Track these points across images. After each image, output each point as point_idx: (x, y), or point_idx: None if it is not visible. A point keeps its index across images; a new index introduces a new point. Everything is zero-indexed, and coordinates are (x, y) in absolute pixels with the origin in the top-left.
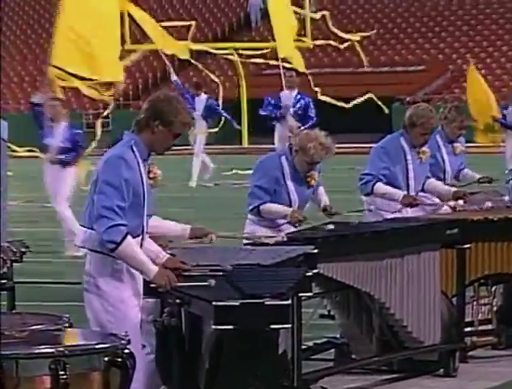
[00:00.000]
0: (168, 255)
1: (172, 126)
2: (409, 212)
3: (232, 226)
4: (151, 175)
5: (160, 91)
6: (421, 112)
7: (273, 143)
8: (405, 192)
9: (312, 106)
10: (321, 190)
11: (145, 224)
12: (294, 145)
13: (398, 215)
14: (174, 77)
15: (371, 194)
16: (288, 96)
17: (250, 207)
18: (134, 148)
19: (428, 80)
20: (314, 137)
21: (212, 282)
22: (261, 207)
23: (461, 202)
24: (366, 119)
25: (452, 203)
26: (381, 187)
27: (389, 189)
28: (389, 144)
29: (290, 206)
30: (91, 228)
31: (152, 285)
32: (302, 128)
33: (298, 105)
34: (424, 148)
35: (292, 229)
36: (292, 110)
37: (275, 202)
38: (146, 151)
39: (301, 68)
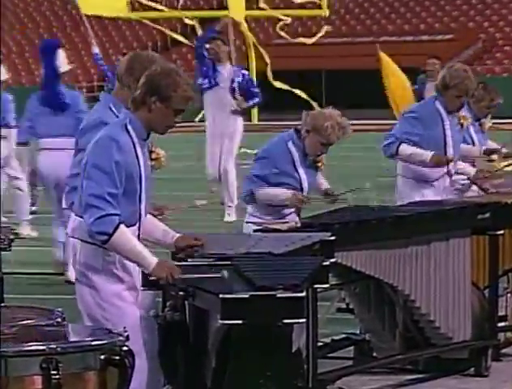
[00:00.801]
0: (178, 234)
1: (171, 102)
2: (444, 185)
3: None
4: (154, 156)
5: (157, 64)
6: (455, 73)
7: (285, 120)
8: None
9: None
10: (320, 179)
11: (143, 212)
12: (305, 125)
13: (435, 184)
14: (96, 50)
15: (395, 156)
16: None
17: (244, 194)
18: (129, 127)
19: (456, 51)
20: (330, 116)
21: (225, 273)
22: (256, 193)
23: (495, 156)
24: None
25: (486, 185)
26: (406, 148)
27: (416, 149)
28: (421, 109)
29: (300, 186)
30: (81, 217)
31: (152, 278)
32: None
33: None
34: (463, 113)
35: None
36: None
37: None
38: (144, 130)
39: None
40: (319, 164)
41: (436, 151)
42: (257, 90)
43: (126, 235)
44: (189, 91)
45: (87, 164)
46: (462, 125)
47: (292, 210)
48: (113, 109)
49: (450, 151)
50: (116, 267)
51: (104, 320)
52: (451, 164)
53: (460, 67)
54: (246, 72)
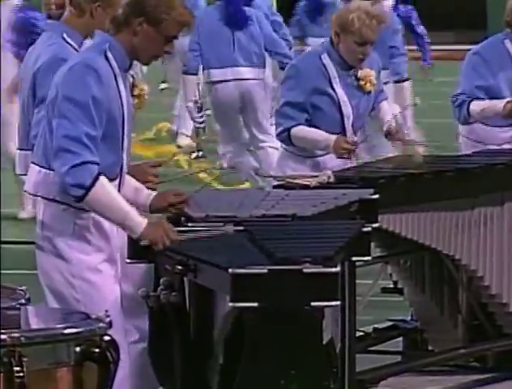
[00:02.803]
0: (154, 192)
1: (162, 26)
2: None
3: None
4: (136, 92)
5: None
6: None
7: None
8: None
9: None
10: (384, 105)
11: (125, 163)
12: (333, 28)
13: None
14: None
15: (469, 117)
16: None
17: (277, 131)
18: (109, 55)
19: None
20: (356, 7)
21: (230, 229)
22: (292, 132)
23: None
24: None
25: None
26: (478, 104)
27: (488, 102)
28: (488, 50)
29: (342, 123)
30: (47, 168)
31: (144, 244)
32: None
33: None
34: None
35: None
36: None
37: (317, 124)
38: (126, 58)
39: None
40: (364, 84)
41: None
42: None
43: (108, 189)
44: (186, 15)
45: (56, 99)
46: None
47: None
48: (69, 40)
49: None
50: (90, 231)
51: (74, 301)
52: None
53: None
54: None
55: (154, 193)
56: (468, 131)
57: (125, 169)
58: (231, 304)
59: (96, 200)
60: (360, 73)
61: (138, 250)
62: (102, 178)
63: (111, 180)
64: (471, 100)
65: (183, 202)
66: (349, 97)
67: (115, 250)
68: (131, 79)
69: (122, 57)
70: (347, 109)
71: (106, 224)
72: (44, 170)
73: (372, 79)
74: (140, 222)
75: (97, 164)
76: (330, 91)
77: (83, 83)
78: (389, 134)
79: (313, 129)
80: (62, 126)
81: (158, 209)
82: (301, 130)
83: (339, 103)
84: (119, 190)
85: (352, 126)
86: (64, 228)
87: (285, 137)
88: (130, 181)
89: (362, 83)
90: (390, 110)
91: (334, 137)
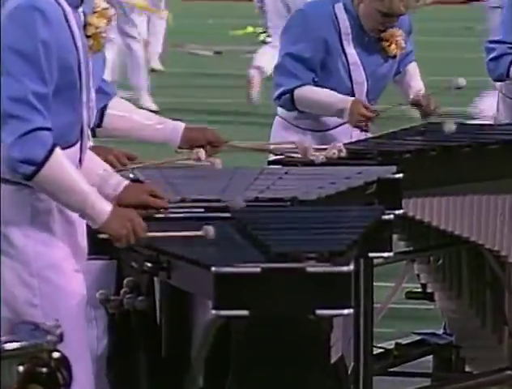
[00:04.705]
0: (127, 181)
1: None
2: None
3: (238, 130)
4: (91, 31)
5: None
6: None
7: None
8: None
9: None
10: (412, 69)
11: (85, 122)
12: None
13: None
14: None
15: (507, 78)
16: None
17: (277, 93)
18: None
19: None
20: None
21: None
22: (296, 92)
23: None
24: None
25: None
26: None
27: None
28: None
29: (351, 90)
30: None
31: (102, 237)
32: None
33: None
34: None
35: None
36: None
37: (323, 86)
38: None
39: None
40: (389, 45)
41: None
42: None
43: (65, 164)
44: None
45: None
46: None
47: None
48: None
49: None
50: (53, 217)
51: (30, 307)
52: None
53: None
54: None
55: (126, 182)
56: (509, 89)
57: (86, 131)
58: (214, 312)
59: (48, 179)
60: (383, 33)
61: (96, 242)
62: (57, 151)
63: (70, 145)
64: None
65: (157, 207)
66: (364, 60)
67: (81, 240)
68: (83, 17)
69: None
70: (358, 74)
71: None
72: None
73: (399, 41)
74: (102, 210)
75: (49, 129)
76: (340, 49)
77: (27, 28)
78: (416, 105)
79: (322, 89)
80: (6, 84)
81: (125, 205)
82: (309, 91)
83: (349, 66)
84: (81, 159)
85: (367, 95)
86: (18, 215)
87: (287, 100)
88: (97, 161)
89: (386, 44)
90: (418, 75)
91: (350, 99)
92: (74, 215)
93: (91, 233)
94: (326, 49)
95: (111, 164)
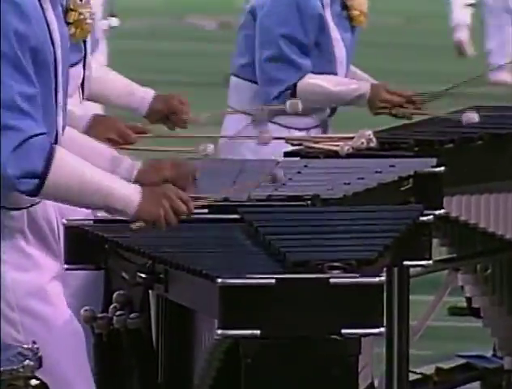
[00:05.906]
0: (138, 163)
1: None
2: None
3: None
4: (72, 17)
5: None
6: None
7: None
8: None
9: None
10: None
11: (60, 124)
12: None
13: None
14: None
15: None
16: None
17: (277, 91)
18: None
19: None
20: None
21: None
22: (299, 86)
23: None
24: None
25: None
26: None
27: None
28: None
29: (334, 70)
30: None
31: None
32: None
33: None
34: None
35: None
36: None
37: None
38: None
39: None
40: (358, 14)
41: None
42: None
43: (70, 164)
44: None
45: None
46: None
47: None
48: None
49: None
50: (25, 236)
51: (16, 342)
52: None
53: None
54: None
55: (138, 163)
56: None
57: (61, 134)
58: (220, 332)
59: (58, 188)
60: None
61: (78, 249)
62: (58, 153)
63: None
64: None
65: (186, 177)
66: (341, 34)
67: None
68: (64, 2)
69: None
70: (340, 50)
71: (41, 218)
72: None
73: (364, 9)
74: (130, 198)
75: (43, 133)
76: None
77: (2, 24)
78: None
79: (325, 76)
80: None
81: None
82: (313, 79)
83: (332, 41)
84: None
85: (346, 76)
86: None
87: (287, 96)
88: (103, 150)
89: (355, 13)
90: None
91: (369, 84)
92: (49, 229)
93: (70, 239)
94: (320, 29)
95: (113, 143)
